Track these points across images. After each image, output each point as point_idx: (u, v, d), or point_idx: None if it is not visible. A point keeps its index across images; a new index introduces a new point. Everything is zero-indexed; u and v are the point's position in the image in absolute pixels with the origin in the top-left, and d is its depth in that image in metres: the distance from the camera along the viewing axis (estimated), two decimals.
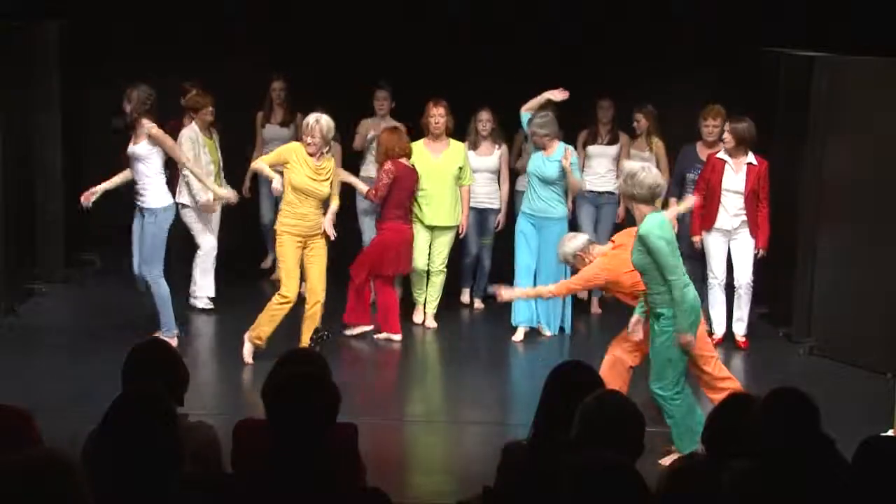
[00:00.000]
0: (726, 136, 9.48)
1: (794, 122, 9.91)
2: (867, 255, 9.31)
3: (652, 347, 7.12)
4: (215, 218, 10.25)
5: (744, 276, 9.68)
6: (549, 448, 4.20)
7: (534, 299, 9.60)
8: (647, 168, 7.05)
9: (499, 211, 10.54)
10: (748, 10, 11.32)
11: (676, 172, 10.21)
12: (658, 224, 6.87)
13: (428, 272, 10.09)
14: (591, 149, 10.61)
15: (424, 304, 10.18)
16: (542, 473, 4.07)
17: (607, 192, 10.54)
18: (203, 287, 10.24)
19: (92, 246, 11.33)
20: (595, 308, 10.71)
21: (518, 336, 9.85)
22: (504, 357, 9.77)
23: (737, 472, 4.09)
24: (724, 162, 9.54)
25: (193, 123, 10.00)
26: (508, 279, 10.49)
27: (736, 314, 9.81)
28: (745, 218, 9.58)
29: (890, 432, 7.10)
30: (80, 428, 4.30)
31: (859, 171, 9.37)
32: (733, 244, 9.67)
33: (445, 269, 10.12)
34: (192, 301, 10.22)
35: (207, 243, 10.15)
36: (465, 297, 10.85)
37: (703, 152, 9.93)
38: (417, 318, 10.20)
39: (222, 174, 10.25)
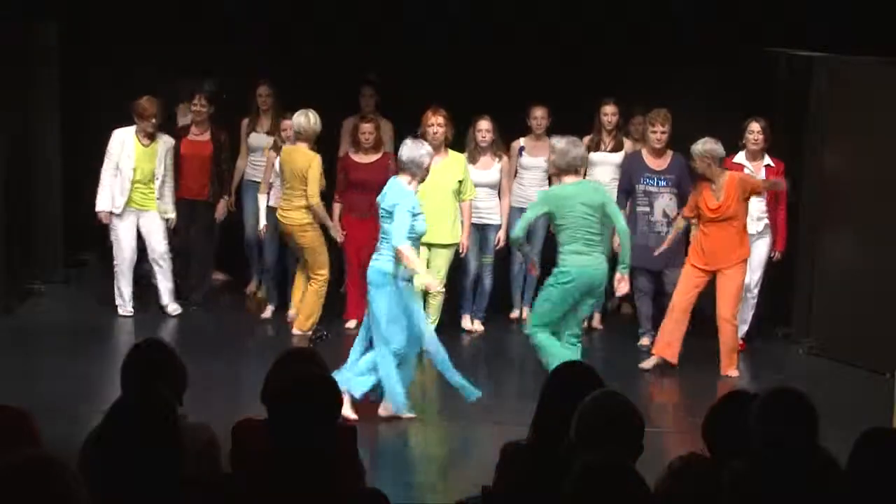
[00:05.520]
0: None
1: (794, 122, 9.91)
2: (867, 255, 9.31)
3: None
4: (156, 225, 10.04)
5: (752, 279, 9.59)
6: (548, 448, 4.20)
7: None
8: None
9: (500, 227, 9.89)
10: (748, 10, 11.30)
11: (623, 182, 9.74)
12: None
13: (425, 293, 9.22)
14: (594, 156, 9.90)
15: None
16: (541, 473, 4.07)
17: None
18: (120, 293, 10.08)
19: (91, 246, 11.32)
20: (596, 323, 10.21)
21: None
22: (504, 358, 9.78)
23: (737, 472, 4.09)
24: (743, 166, 9.49)
25: (135, 126, 9.89)
26: (509, 299, 10.48)
27: (738, 316, 9.74)
28: (767, 221, 9.55)
29: None
30: (80, 428, 4.30)
31: (859, 171, 9.38)
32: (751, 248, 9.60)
33: (444, 290, 9.36)
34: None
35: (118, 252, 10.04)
36: (466, 323, 10.17)
37: (650, 160, 9.65)
38: None
39: (164, 186, 10.01)
